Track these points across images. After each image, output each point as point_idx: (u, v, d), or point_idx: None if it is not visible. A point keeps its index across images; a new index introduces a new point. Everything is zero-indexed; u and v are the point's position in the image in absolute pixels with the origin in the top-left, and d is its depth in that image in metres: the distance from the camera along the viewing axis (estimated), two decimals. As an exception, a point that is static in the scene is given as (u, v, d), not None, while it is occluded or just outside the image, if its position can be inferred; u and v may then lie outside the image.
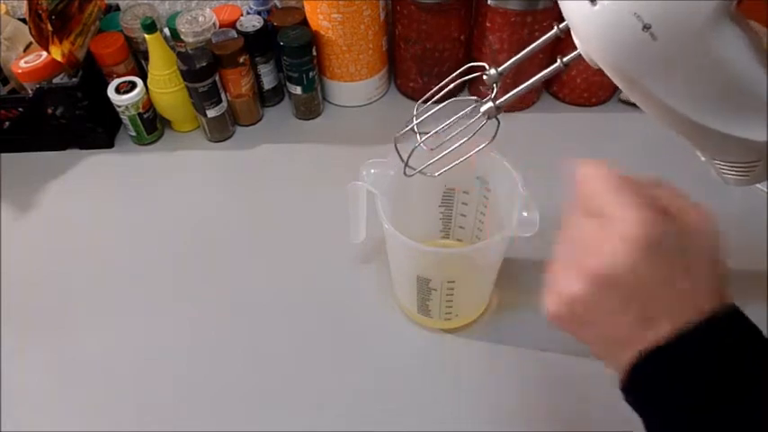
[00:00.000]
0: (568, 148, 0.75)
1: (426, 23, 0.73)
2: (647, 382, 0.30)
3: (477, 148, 0.43)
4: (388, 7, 0.77)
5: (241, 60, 0.74)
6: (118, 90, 0.74)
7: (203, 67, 0.71)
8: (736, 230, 0.63)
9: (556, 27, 0.38)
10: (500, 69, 0.42)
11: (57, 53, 0.72)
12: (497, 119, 0.42)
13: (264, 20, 0.77)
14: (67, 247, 0.69)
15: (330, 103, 0.84)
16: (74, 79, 0.74)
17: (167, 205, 0.73)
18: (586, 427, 0.51)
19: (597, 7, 0.32)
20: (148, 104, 0.76)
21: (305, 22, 0.76)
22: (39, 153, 0.79)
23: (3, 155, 0.79)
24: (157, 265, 0.66)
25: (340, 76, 0.80)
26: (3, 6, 0.82)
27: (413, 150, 0.44)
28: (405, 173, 0.45)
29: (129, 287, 0.64)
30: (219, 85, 0.75)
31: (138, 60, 0.82)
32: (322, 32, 0.76)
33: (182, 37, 0.76)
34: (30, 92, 0.74)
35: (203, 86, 0.73)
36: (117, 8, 0.85)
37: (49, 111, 0.75)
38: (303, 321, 0.60)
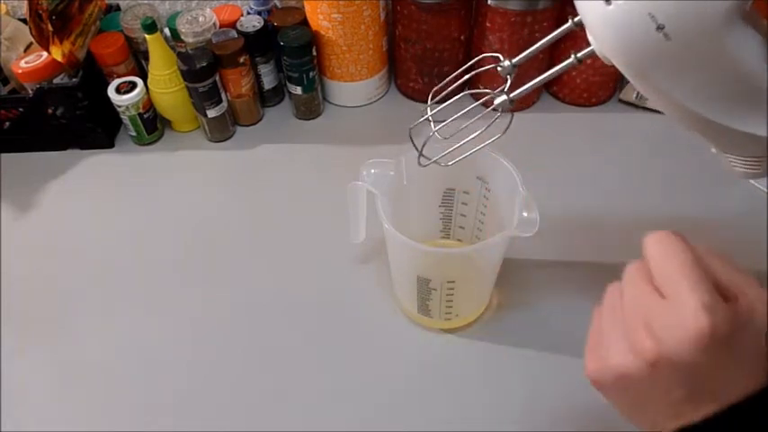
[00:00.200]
0: (568, 148, 0.75)
1: (426, 23, 0.73)
2: None
3: (491, 140, 0.44)
4: (389, 7, 0.77)
5: (241, 60, 0.74)
6: (118, 90, 0.75)
7: (203, 67, 0.71)
8: (736, 230, 0.63)
9: (570, 21, 0.39)
10: (514, 61, 0.42)
11: (57, 53, 0.72)
12: (511, 112, 0.42)
13: (265, 20, 0.77)
14: (67, 247, 0.69)
15: (330, 103, 0.84)
16: (74, 79, 0.75)
17: (167, 205, 0.73)
18: (586, 427, 0.51)
19: (611, 7, 0.32)
20: (149, 104, 0.77)
21: (305, 22, 0.76)
22: (39, 153, 0.79)
23: (3, 155, 0.79)
24: (157, 265, 0.66)
25: (340, 77, 0.80)
26: (3, 6, 0.82)
27: (427, 139, 0.45)
28: (419, 162, 0.46)
29: (130, 287, 0.64)
30: (220, 85, 0.75)
31: (138, 60, 0.82)
32: (322, 32, 0.76)
33: (182, 37, 0.76)
34: (30, 92, 0.74)
35: (203, 86, 0.73)
36: (117, 8, 0.85)
37: (50, 111, 0.75)
38: (303, 321, 0.60)
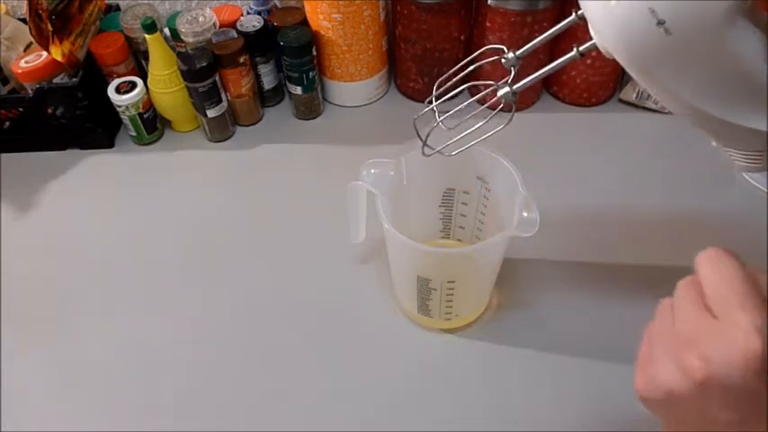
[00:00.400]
0: (568, 148, 0.75)
1: (426, 23, 0.73)
2: None
3: (494, 130, 0.44)
4: (388, 7, 0.77)
5: (241, 60, 0.74)
6: (118, 90, 0.74)
7: (203, 67, 0.71)
8: (737, 230, 0.63)
9: (574, 14, 0.39)
10: (518, 53, 0.42)
11: (57, 53, 0.72)
12: (513, 104, 0.43)
13: (264, 20, 0.77)
14: (67, 247, 0.69)
15: (330, 103, 0.84)
16: (74, 79, 0.74)
17: (167, 205, 0.73)
18: (587, 427, 0.51)
19: (613, 2, 0.32)
20: (148, 104, 0.76)
21: (305, 22, 0.76)
22: (39, 153, 0.79)
23: (3, 155, 0.79)
24: (157, 265, 0.66)
25: (340, 76, 0.80)
26: (3, 6, 0.82)
27: (432, 129, 0.45)
28: (423, 152, 0.46)
29: (130, 287, 0.64)
30: (220, 85, 0.75)
31: (138, 60, 0.82)
32: (322, 32, 0.76)
33: (182, 37, 0.76)
34: (30, 92, 0.74)
35: (203, 86, 0.73)
36: (117, 8, 0.85)
37: (50, 111, 0.75)
38: (303, 321, 0.60)
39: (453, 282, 0.51)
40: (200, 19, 0.75)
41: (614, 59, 0.35)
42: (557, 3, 0.68)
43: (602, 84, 0.77)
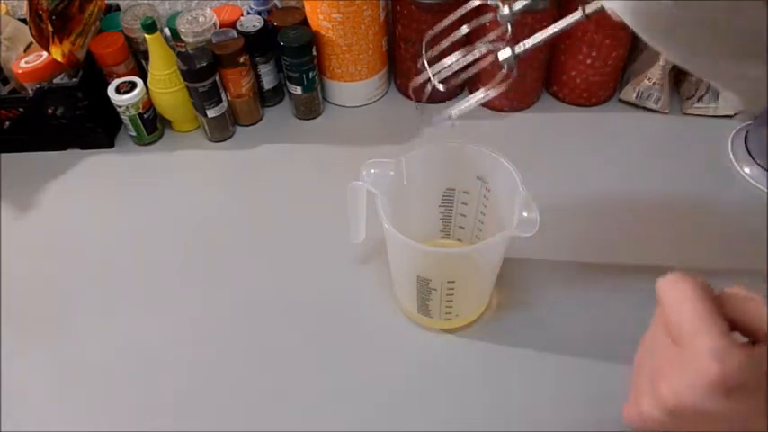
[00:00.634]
0: (568, 148, 0.75)
1: (426, 23, 0.73)
2: None
3: (495, 92, 0.43)
4: (389, 7, 0.77)
5: (241, 60, 0.74)
6: (118, 90, 0.74)
7: (203, 67, 0.71)
8: (736, 230, 0.63)
9: (580, 10, 0.39)
10: (514, 9, 0.41)
11: (57, 53, 0.72)
12: (515, 67, 0.42)
13: (264, 20, 0.77)
14: (67, 247, 0.69)
15: (330, 103, 0.84)
16: (74, 79, 0.75)
17: (167, 205, 0.73)
18: (587, 427, 0.51)
19: None
20: (149, 104, 0.77)
21: (305, 22, 0.76)
22: (39, 153, 0.79)
23: (3, 155, 0.79)
24: (157, 265, 0.66)
25: (340, 76, 0.80)
26: (3, 6, 0.82)
27: (425, 83, 0.43)
28: (418, 107, 0.45)
29: (130, 287, 0.64)
30: (220, 85, 0.75)
31: (138, 60, 0.82)
32: (322, 32, 0.76)
33: (182, 37, 0.76)
34: (30, 92, 0.74)
35: (203, 86, 0.73)
36: (117, 8, 0.85)
37: (50, 111, 0.75)
38: (303, 321, 0.60)
39: (453, 282, 0.51)
40: (201, 19, 0.75)
41: (622, 24, 0.35)
42: (557, 3, 0.68)
43: (602, 84, 0.77)
